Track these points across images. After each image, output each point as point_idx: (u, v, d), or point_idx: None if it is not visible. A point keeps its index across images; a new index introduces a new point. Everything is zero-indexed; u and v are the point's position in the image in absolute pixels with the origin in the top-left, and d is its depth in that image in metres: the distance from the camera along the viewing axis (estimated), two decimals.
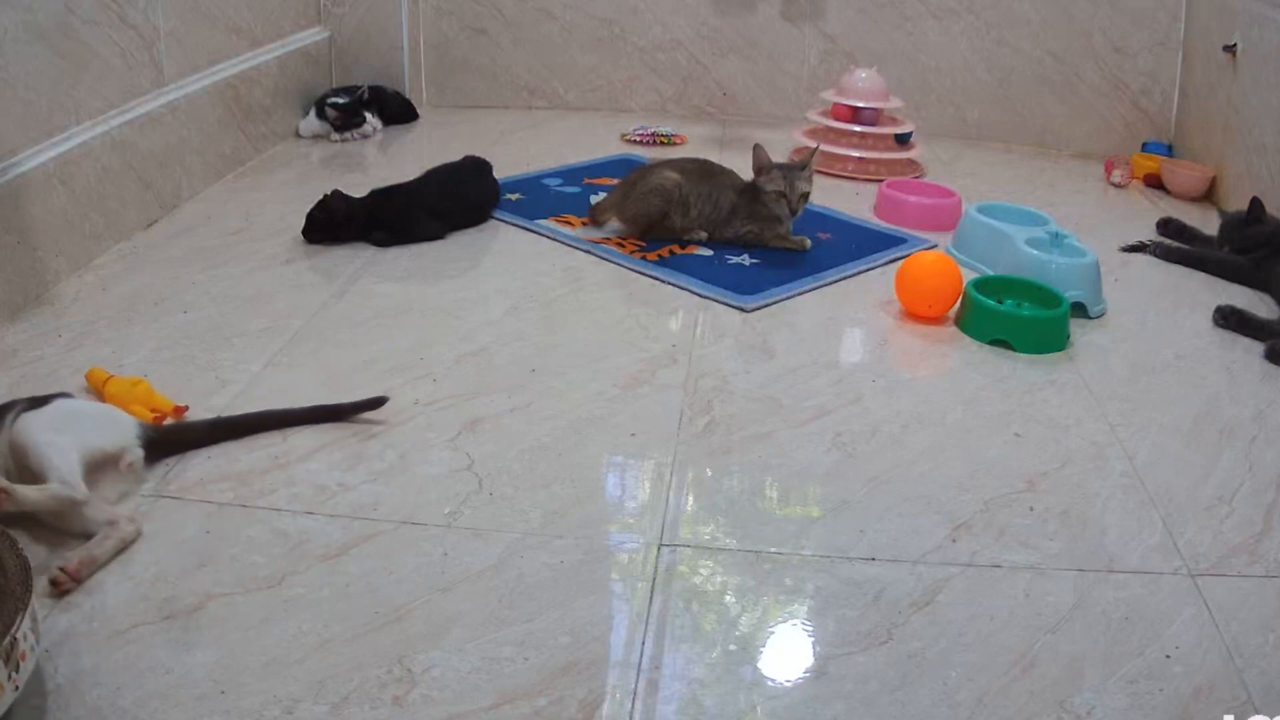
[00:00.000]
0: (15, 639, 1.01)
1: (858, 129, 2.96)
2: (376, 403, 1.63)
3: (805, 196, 2.29)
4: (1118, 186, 3.00)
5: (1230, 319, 2.07)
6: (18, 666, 1.01)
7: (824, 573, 1.34)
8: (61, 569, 1.23)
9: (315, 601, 1.24)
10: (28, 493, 1.25)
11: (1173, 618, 1.28)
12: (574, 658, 1.17)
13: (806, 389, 1.78)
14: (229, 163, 2.68)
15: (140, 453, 1.42)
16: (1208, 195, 2.89)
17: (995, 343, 1.96)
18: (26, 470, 1.31)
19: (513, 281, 2.14)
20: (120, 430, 1.42)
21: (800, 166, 2.31)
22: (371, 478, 1.48)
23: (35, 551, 1.28)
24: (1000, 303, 2.02)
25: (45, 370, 1.70)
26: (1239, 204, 2.51)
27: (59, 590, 1.22)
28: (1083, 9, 3.21)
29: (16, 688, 1.01)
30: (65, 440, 1.33)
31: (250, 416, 1.58)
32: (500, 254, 2.31)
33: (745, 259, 2.30)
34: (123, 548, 1.30)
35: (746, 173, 2.35)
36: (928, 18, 3.29)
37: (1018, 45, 3.28)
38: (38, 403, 1.39)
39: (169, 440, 1.50)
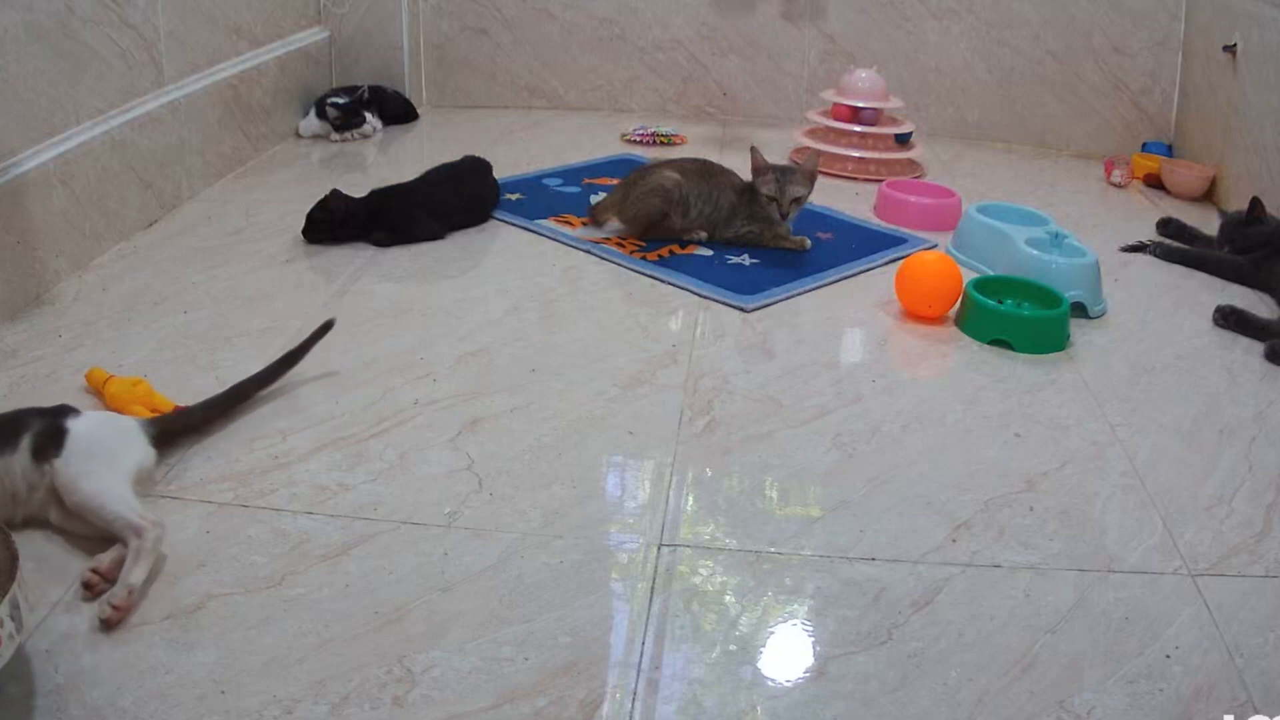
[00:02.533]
0: None
1: (858, 129, 2.96)
2: (326, 328, 1.69)
3: (798, 201, 2.28)
4: (1118, 186, 3.00)
5: (1230, 319, 2.07)
6: None
7: (824, 573, 1.34)
8: (94, 570, 1.23)
9: (315, 601, 1.24)
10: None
11: (1173, 618, 1.28)
12: (574, 658, 1.17)
13: (806, 389, 1.78)
14: (229, 163, 2.68)
15: (154, 454, 1.42)
16: (1208, 195, 2.89)
17: (995, 343, 1.96)
18: (64, 508, 1.31)
19: (513, 281, 2.14)
20: (138, 444, 1.40)
21: (796, 169, 2.30)
22: (371, 478, 1.48)
23: (46, 551, 1.28)
24: (1000, 303, 2.02)
25: (45, 370, 1.70)
26: (1239, 204, 2.51)
27: (93, 593, 1.22)
28: (1083, 9, 3.22)
29: None
30: (111, 480, 1.31)
31: (234, 388, 1.60)
32: (500, 254, 2.31)
33: (745, 259, 2.30)
34: (155, 561, 1.27)
35: (746, 173, 2.35)
36: (928, 18, 3.29)
37: (1018, 45, 3.28)
38: (49, 429, 1.34)
39: (172, 430, 1.50)
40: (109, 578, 1.23)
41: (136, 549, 1.24)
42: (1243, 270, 2.31)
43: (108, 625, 1.18)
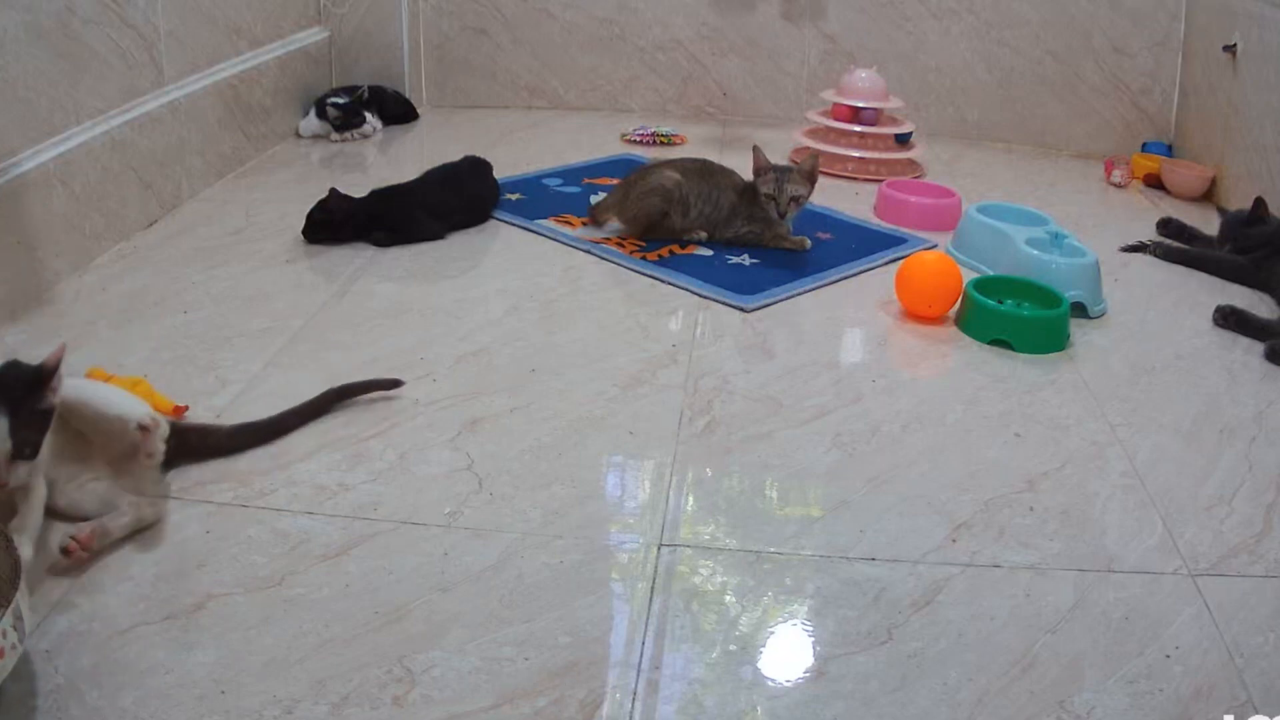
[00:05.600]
0: None
1: (858, 129, 2.96)
2: (392, 383, 1.67)
3: (796, 200, 2.28)
4: (1118, 186, 3.00)
5: (1230, 319, 2.07)
6: None
7: (824, 573, 1.34)
8: (73, 537, 1.24)
9: (315, 601, 1.24)
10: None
11: (1173, 618, 1.28)
12: (574, 658, 1.17)
13: (806, 389, 1.78)
14: (229, 163, 2.68)
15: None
16: (1208, 195, 2.89)
17: (995, 343, 1.96)
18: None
19: (513, 281, 2.14)
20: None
21: (795, 169, 2.30)
22: (371, 478, 1.48)
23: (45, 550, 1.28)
24: (1000, 303, 2.02)
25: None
26: (1238, 204, 2.51)
27: (71, 559, 1.23)
28: (1083, 9, 3.22)
29: None
30: None
31: (274, 419, 1.56)
32: (500, 254, 2.31)
33: (745, 259, 2.30)
34: (139, 527, 1.31)
35: (747, 173, 2.35)
36: (928, 18, 3.29)
37: (1018, 45, 3.28)
38: None
39: (189, 446, 1.47)
40: (87, 546, 1.25)
41: (127, 508, 1.31)
42: (1243, 270, 2.31)
43: (66, 554, 1.24)
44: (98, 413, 1.32)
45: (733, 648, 1.21)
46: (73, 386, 1.31)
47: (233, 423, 1.55)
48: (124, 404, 1.34)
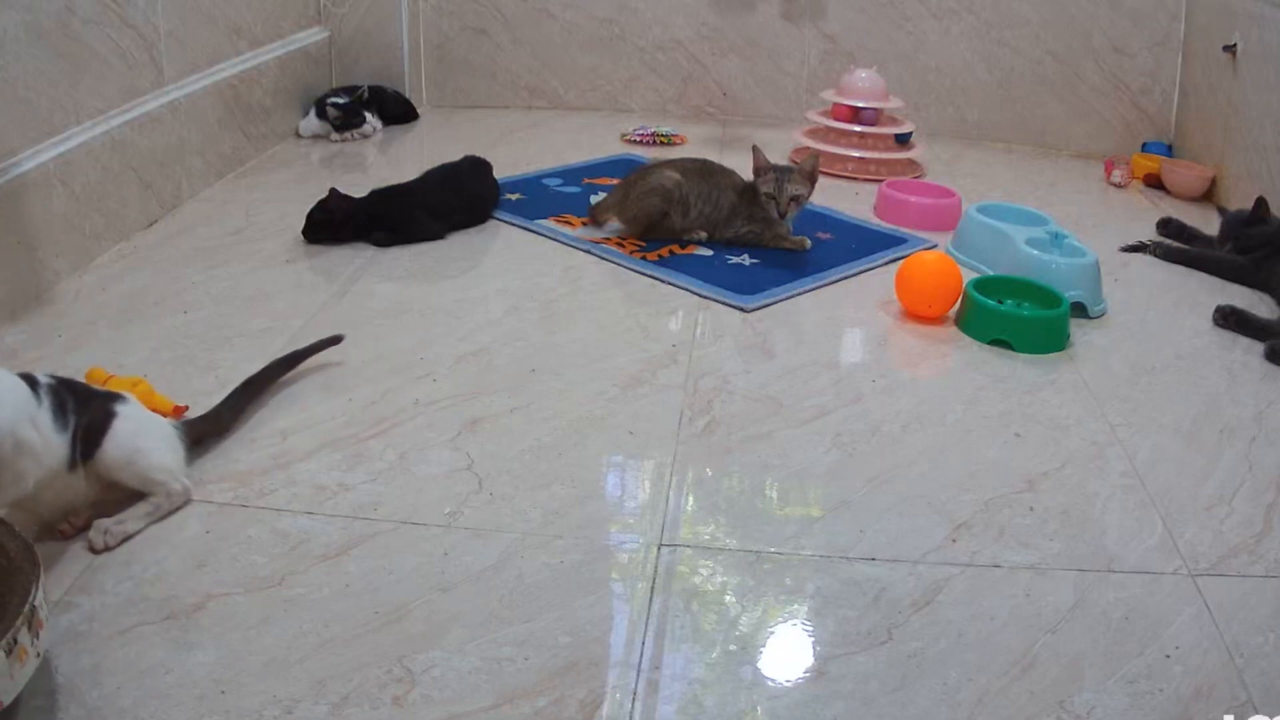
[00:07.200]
0: (35, 606, 1.03)
1: (858, 129, 2.96)
2: (334, 340, 1.75)
3: (796, 200, 2.28)
4: (1118, 186, 3.00)
5: (1230, 319, 2.07)
6: (38, 634, 1.03)
7: (824, 573, 1.34)
8: (69, 521, 1.32)
9: (315, 601, 1.24)
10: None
11: (1173, 618, 1.28)
12: (574, 658, 1.17)
13: (806, 389, 1.78)
14: (229, 163, 2.68)
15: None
16: (1208, 195, 2.89)
17: (995, 343, 1.96)
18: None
19: (513, 281, 2.14)
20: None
21: (795, 169, 2.30)
22: (371, 478, 1.48)
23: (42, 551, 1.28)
24: (1000, 303, 2.02)
25: (45, 371, 1.69)
26: (1238, 204, 2.51)
27: (64, 536, 1.32)
28: (1083, 9, 3.22)
29: (39, 654, 1.03)
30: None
31: (247, 384, 1.61)
32: (500, 254, 2.31)
33: (745, 259, 2.30)
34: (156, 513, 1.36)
35: (747, 173, 2.35)
36: (928, 18, 3.29)
37: (1018, 45, 3.28)
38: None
39: (205, 435, 1.52)
40: (78, 528, 1.32)
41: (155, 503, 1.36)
42: (1243, 270, 2.31)
43: (60, 535, 1.33)
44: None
45: (733, 648, 1.21)
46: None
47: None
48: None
